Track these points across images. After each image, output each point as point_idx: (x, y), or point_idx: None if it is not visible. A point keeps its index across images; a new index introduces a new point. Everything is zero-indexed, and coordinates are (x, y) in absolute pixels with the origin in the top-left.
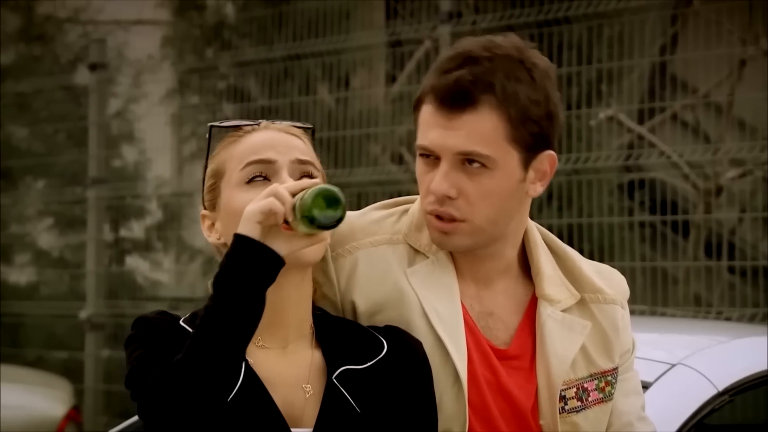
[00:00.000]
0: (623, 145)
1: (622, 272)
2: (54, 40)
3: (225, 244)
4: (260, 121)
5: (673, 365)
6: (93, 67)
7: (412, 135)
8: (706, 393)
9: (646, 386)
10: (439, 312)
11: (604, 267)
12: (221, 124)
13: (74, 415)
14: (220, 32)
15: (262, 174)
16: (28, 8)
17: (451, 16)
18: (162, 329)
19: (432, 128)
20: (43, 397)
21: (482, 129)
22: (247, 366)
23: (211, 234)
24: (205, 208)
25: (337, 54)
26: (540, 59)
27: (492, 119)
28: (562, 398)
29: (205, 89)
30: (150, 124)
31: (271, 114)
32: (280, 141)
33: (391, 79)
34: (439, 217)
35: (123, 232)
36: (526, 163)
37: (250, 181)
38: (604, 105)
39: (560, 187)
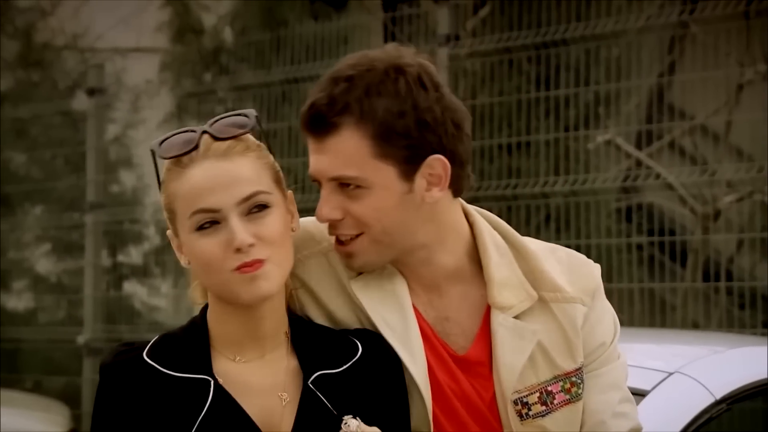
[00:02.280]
0: (621, 170)
1: (620, 295)
2: (52, 66)
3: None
4: (196, 130)
5: (671, 374)
6: (91, 93)
7: None
8: (704, 401)
9: (643, 395)
10: (389, 321)
11: (576, 259)
12: (159, 149)
13: None
14: (218, 57)
15: (210, 221)
16: (27, 35)
17: (449, 39)
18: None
19: (310, 154)
20: (40, 421)
21: (345, 151)
22: (216, 385)
23: (182, 256)
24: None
25: None
26: (413, 66)
27: (353, 140)
28: (525, 404)
29: (204, 114)
30: (148, 149)
31: (269, 138)
32: (222, 178)
33: None
34: (339, 242)
35: (121, 258)
36: (408, 175)
37: (201, 228)
38: (602, 127)
39: (558, 208)
